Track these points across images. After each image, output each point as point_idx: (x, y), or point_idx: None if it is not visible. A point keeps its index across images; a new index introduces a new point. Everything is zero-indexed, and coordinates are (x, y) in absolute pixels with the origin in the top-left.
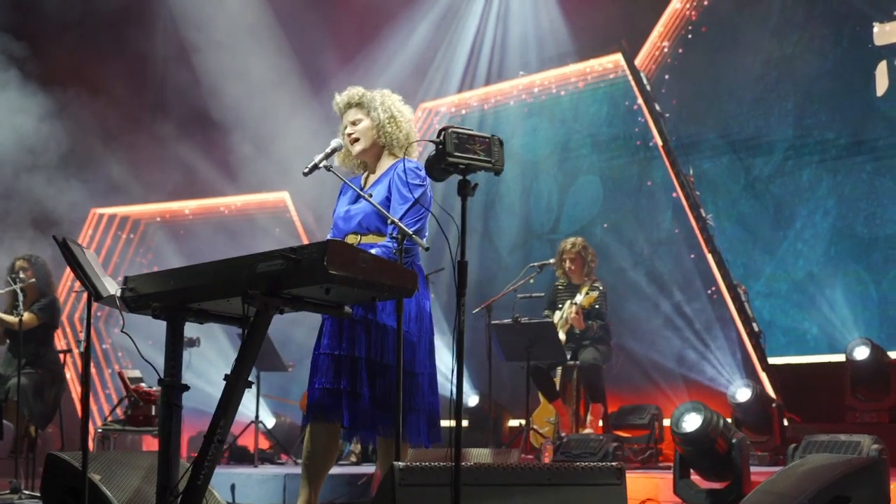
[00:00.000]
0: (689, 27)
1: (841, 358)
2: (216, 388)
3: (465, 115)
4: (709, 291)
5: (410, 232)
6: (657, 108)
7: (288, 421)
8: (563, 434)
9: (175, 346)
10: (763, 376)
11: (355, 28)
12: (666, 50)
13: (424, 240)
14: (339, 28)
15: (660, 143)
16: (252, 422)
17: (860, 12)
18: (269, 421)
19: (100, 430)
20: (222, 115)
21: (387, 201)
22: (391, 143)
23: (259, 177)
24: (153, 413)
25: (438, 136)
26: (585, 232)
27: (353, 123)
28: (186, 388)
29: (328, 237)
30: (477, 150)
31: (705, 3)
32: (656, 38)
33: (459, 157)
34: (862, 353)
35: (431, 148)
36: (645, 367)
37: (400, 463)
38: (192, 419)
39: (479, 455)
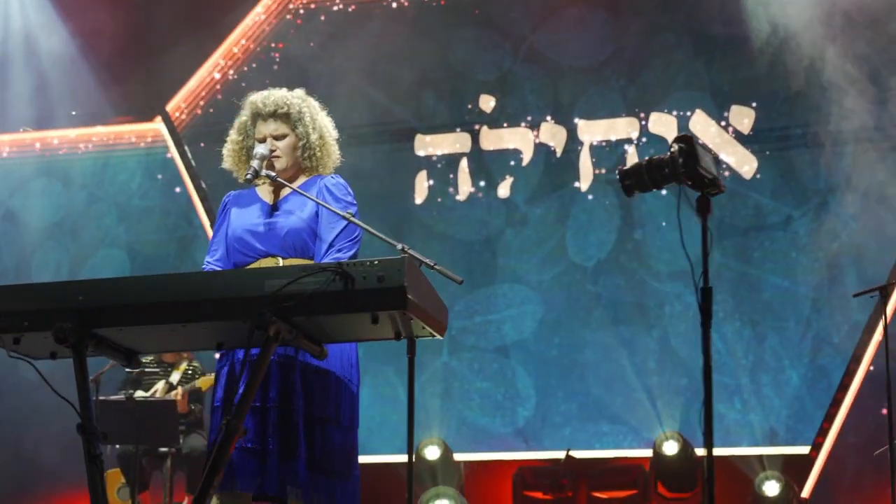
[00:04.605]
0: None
1: (375, 459)
2: None
3: None
4: None
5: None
6: (203, 186)
7: None
8: None
9: (85, 381)
10: None
11: None
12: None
13: None
14: None
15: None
16: None
17: (403, 121)
18: None
19: None
20: None
21: (315, 217)
22: (315, 167)
23: None
24: None
25: (679, 140)
26: None
27: (276, 138)
28: (104, 436)
29: (211, 262)
30: (712, 163)
31: (239, 72)
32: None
33: (705, 169)
34: (433, 452)
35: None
36: None
37: None
38: None
39: None
